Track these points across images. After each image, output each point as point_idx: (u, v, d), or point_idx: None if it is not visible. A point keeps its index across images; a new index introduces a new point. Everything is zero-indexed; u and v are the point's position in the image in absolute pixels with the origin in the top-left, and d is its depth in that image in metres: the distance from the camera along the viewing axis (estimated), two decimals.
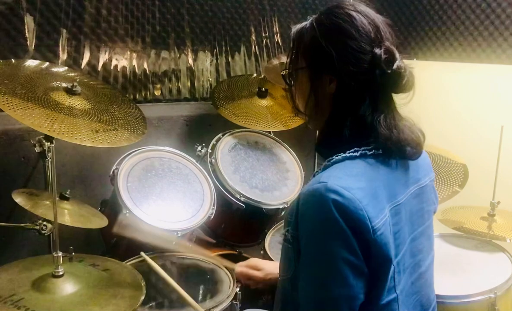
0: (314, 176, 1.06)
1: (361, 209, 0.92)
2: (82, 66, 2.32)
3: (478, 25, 2.68)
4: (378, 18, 1.07)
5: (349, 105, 1.05)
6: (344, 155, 1.02)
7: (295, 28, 1.12)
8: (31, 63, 1.90)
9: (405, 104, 1.08)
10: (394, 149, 1.03)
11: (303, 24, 1.10)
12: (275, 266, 1.48)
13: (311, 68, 1.09)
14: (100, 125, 1.71)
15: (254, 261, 1.62)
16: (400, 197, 1.04)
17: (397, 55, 1.02)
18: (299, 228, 0.98)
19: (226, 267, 1.76)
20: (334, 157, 1.03)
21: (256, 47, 2.88)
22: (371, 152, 1.02)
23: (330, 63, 1.03)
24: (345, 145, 1.04)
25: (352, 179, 0.97)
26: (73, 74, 1.98)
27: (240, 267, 1.61)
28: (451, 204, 2.05)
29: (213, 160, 2.13)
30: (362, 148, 1.02)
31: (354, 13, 1.04)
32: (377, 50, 1.01)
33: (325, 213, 0.93)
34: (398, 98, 1.08)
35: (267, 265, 1.56)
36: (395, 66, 1.01)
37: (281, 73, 1.17)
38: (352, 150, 1.02)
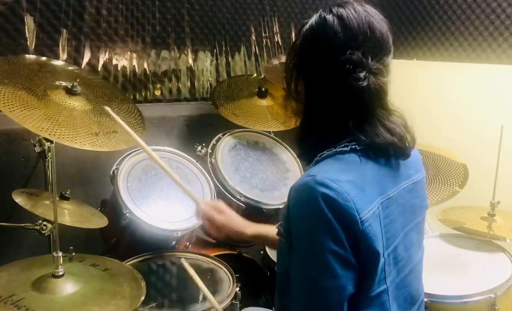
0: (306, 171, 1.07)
1: (349, 201, 0.94)
2: (82, 66, 2.32)
3: (478, 25, 2.68)
4: (374, 25, 1.02)
5: (325, 111, 1.05)
6: (334, 149, 1.03)
7: (304, 22, 1.10)
8: (30, 57, 1.90)
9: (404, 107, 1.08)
10: (381, 152, 1.04)
11: (310, 19, 1.08)
12: (244, 223, 1.46)
13: (296, 68, 1.10)
14: (100, 127, 1.71)
15: (220, 204, 1.52)
16: (390, 191, 1.05)
17: (375, 67, 1.00)
18: (290, 221, 1.00)
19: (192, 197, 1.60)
20: (325, 152, 1.04)
21: (256, 47, 2.88)
22: (360, 147, 1.03)
23: (310, 66, 1.05)
24: (328, 145, 1.04)
25: (341, 172, 0.98)
26: (71, 68, 1.98)
27: (205, 205, 1.51)
28: (451, 204, 2.05)
29: (213, 160, 2.13)
30: (352, 143, 1.03)
31: (345, 15, 1.01)
32: (354, 57, 0.98)
33: (313, 205, 0.94)
34: (393, 98, 1.08)
35: (232, 214, 1.48)
36: (371, 82, 0.99)
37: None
38: (342, 144, 1.03)
